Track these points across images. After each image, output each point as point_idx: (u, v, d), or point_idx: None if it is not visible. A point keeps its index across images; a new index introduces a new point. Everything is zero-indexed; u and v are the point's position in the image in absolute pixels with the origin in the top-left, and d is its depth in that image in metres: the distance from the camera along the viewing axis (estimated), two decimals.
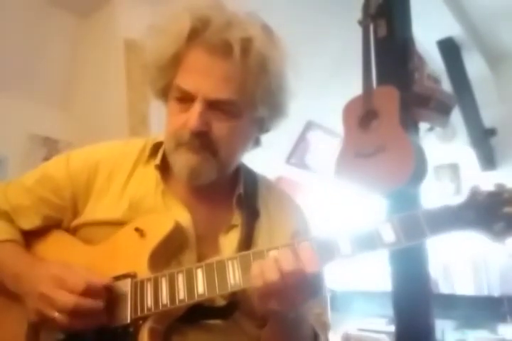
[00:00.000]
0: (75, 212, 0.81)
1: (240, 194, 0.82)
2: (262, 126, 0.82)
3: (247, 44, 0.72)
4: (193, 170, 0.74)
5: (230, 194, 0.82)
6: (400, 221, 0.61)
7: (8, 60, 2.11)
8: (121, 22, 2.18)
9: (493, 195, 0.58)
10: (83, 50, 2.32)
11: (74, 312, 0.63)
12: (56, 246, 0.81)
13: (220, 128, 0.73)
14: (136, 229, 0.73)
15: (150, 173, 0.80)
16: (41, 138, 2.27)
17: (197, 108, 0.71)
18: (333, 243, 0.62)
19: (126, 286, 0.69)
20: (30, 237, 0.82)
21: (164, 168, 0.80)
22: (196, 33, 0.73)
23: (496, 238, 0.57)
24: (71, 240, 0.81)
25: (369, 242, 0.61)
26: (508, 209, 0.57)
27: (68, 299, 0.63)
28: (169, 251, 0.73)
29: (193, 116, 0.71)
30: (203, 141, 0.72)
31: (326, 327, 0.83)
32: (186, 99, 0.73)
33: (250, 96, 0.74)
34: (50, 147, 2.31)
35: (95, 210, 0.79)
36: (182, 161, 0.74)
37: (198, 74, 0.72)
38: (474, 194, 0.59)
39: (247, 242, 0.77)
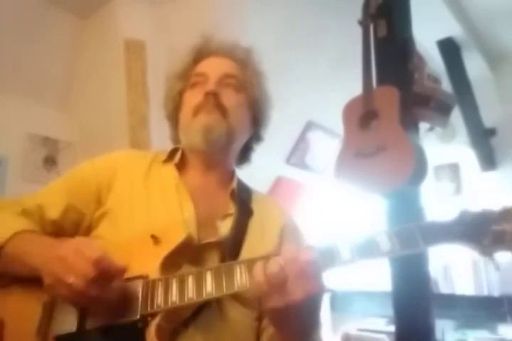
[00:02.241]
0: (99, 203, 0.89)
1: (234, 189, 0.94)
2: (256, 116, 0.99)
3: (247, 51, 1.00)
4: (207, 126, 0.89)
5: (227, 190, 0.95)
6: (396, 232, 0.67)
7: (8, 60, 2.11)
8: (121, 22, 2.19)
9: (482, 215, 0.65)
10: (83, 50, 2.32)
11: (89, 279, 0.64)
12: None
13: (228, 97, 0.92)
14: (152, 236, 0.78)
15: (165, 172, 0.94)
16: (41, 138, 2.28)
17: (211, 80, 0.92)
18: (334, 250, 0.66)
19: (138, 285, 0.71)
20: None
21: (180, 167, 0.95)
22: (207, 43, 0.99)
23: (484, 251, 0.64)
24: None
25: (368, 250, 0.66)
26: (495, 227, 0.63)
27: (86, 264, 0.64)
28: (180, 259, 0.78)
29: (208, 84, 0.91)
30: (215, 101, 0.89)
31: (319, 326, 0.85)
32: (200, 81, 0.94)
33: (248, 81, 0.96)
34: (50, 147, 2.31)
35: (122, 198, 0.87)
36: (198, 123, 0.90)
37: (210, 64, 0.97)
38: (464, 213, 0.66)
39: (240, 226, 0.88)
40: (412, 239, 0.65)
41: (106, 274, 0.66)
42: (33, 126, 2.25)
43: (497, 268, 0.66)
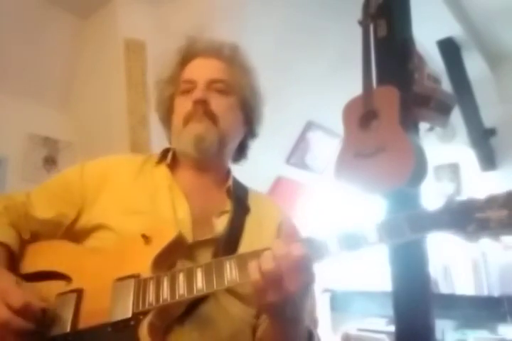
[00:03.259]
0: (82, 210, 0.89)
1: (229, 186, 0.96)
2: (249, 115, 0.99)
3: (234, 49, 0.99)
4: (198, 136, 0.89)
5: (222, 188, 0.96)
6: (383, 223, 0.68)
7: (9, 60, 2.11)
8: (121, 22, 2.18)
9: (466, 203, 0.66)
10: (83, 49, 2.32)
11: (4, 327, 0.66)
12: (66, 253, 0.85)
13: (217, 103, 0.92)
14: (143, 236, 0.78)
15: (157, 172, 0.94)
16: (41, 138, 2.28)
17: (199, 87, 0.92)
18: (322, 242, 0.68)
19: (129, 284, 0.72)
20: (39, 249, 0.87)
21: (172, 167, 0.95)
22: (193, 44, 0.99)
23: (469, 238, 0.65)
24: (79, 247, 0.86)
25: (355, 242, 0.67)
26: (479, 215, 0.64)
27: (3, 312, 0.66)
28: (171, 257, 0.79)
29: (196, 91, 0.91)
30: (204, 109, 0.90)
31: (316, 324, 0.88)
32: (189, 89, 0.93)
33: (237, 81, 0.96)
34: (50, 147, 2.31)
35: (112, 203, 0.87)
36: (189, 133, 0.90)
37: (197, 68, 0.96)
38: (449, 202, 0.67)
39: (237, 223, 0.89)
40: (398, 229, 0.66)
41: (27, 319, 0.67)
42: (33, 126, 2.25)
43: (484, 255, 0.67)
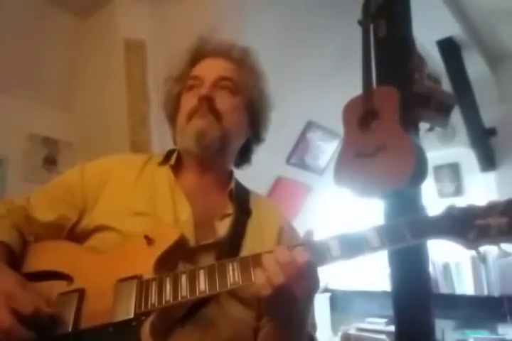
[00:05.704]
0: (84, 211, 0.88)
1: (232, 189, 0.95)
2: (254, 118, 0.98)
3: (244, 51, 0.99)
4: (200, 131, 0.89)
5: (224, 191, 0.95)
6: (385, 228, 0.69)
7: (9, 60, 2.11)
8: (121, 22, 2.18)
9: (467, 210, 0.67)
10: (83, 50, 2.32)
11: (6, 335, 0.64)
12: (68, 253, 0.85)
13: (222, 101, 0.92)
14: (145, 237, 0.78)
15: (160, 173, 0.94)
16: (41, 138, 2.28)
17: (206, 84, 0.92)
18: (324, 247, 0.68)
19: (132, 285, 0.72)
20: (41, 248, 0.86)
21: (175, 168, 0.95)
22: (203, 45, 0.99)
23: (469, 245, 0.65)
24: (81, 248, 0.86)
25: (357, 246, 0.68)
26: (480, 222, 0.65)
27: (6, 318, 0.64)
28: (173, 259, 0.79)
29: (202, 88, 0.91)
30: (209, 105, 0.90)
31: (315, 328, 0.88)
32: (196, 85, 0.94)
33: (244, 83, 0.96)
34: (50, 147, 2.31)
35: (114, 203, 0.87)
36: (191, 128, 0.90)
37: (206, 67, 0.97)
38: (450, 209, 0.68)
39: (239, 226, 0.89)
40: (400, 234, 0.67)
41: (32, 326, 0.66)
42: (33, 126, 2.26)
43: (482, 260, 0.67)
